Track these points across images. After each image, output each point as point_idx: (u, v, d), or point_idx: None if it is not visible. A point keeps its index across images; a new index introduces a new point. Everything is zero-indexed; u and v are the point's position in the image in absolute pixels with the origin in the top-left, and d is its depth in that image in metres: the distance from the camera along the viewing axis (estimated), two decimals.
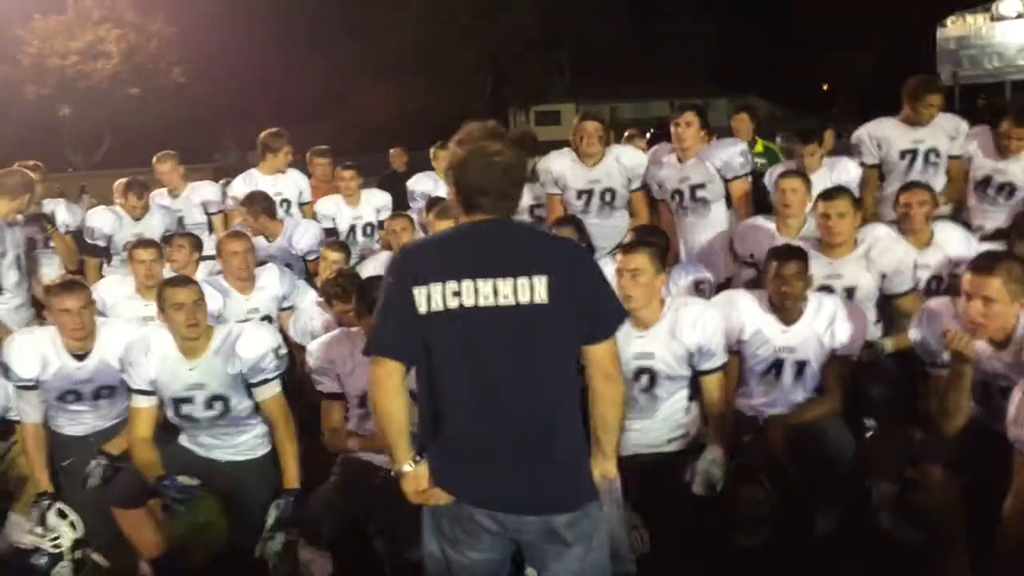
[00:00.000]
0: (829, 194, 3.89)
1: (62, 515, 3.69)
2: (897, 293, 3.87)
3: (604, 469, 2.33)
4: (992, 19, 33.27)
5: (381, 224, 6.00)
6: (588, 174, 4.99)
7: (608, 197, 4.99)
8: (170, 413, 3.62)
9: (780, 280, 3.40)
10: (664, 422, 3.42)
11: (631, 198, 5.07)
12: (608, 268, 4.22)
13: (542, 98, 41.45)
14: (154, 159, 6.24)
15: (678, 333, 3.30)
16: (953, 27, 33.51)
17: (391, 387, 2.21)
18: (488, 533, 2.23)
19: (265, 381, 3.58)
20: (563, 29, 38.73)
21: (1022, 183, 4.72)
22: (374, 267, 4.87)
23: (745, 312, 3.49)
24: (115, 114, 28.27)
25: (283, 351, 3.67)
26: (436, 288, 2.16)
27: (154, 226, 5.78)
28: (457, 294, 2.15)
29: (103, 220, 5.79)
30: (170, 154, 6.25)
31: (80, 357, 3.79)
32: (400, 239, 4.95)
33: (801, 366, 3.48)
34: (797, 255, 3.44)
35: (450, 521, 2.25)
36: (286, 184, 5.95)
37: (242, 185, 5.94)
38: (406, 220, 5.19)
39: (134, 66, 28.63)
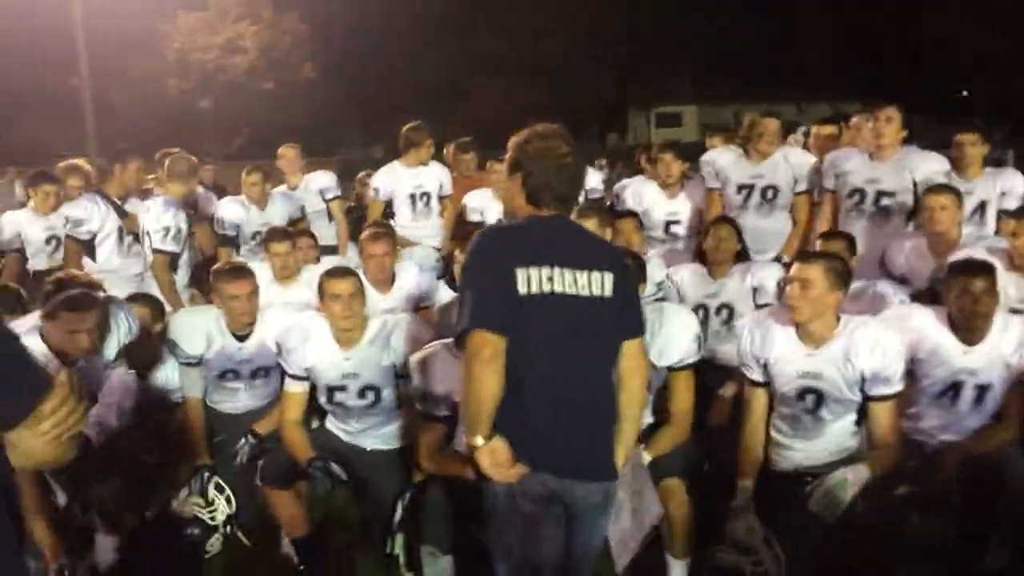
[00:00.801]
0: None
1: (219, 489, 3.82)
2: None
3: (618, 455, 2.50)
4: None
5: None
6: (752, 168, 4.87)
7: (770, 195, 4.86)
8: (323, 399, 3.69)
9: (968, 297, 3.14)
10: (828, 443, 3.21)
11: (795, 201, 4.89)
12: (767, 271, 4.13)
13: (663, 100, 40.91)
14: (281, 148, 6.48)
15: (852, 356, 3.05)
16: None
17: (497, 364, 2.25)
18: (558, 506, 2.38)
19: None
20: (685, 29, 38.06)
21: None
22: None
23: (922, 330, 3.25)
24: (250, 107, 29.49)
25: None
26: (535, 272, 2.32)
27: (278, 214, 5.95)
28: (551, 279, 2.33)
29: (231, 211, 5.97)
30: (295, 144, 6.51)
31: (242, 338, 3.93)
32: None
33: (982, 390, 3.21)
34: (985, 270, 3.17)
35: (530, 500, 2.35)
36: (427, 177, 6.00)
37: (384, 178, 6.03)
38: None
39: (269, 61, 29.84)
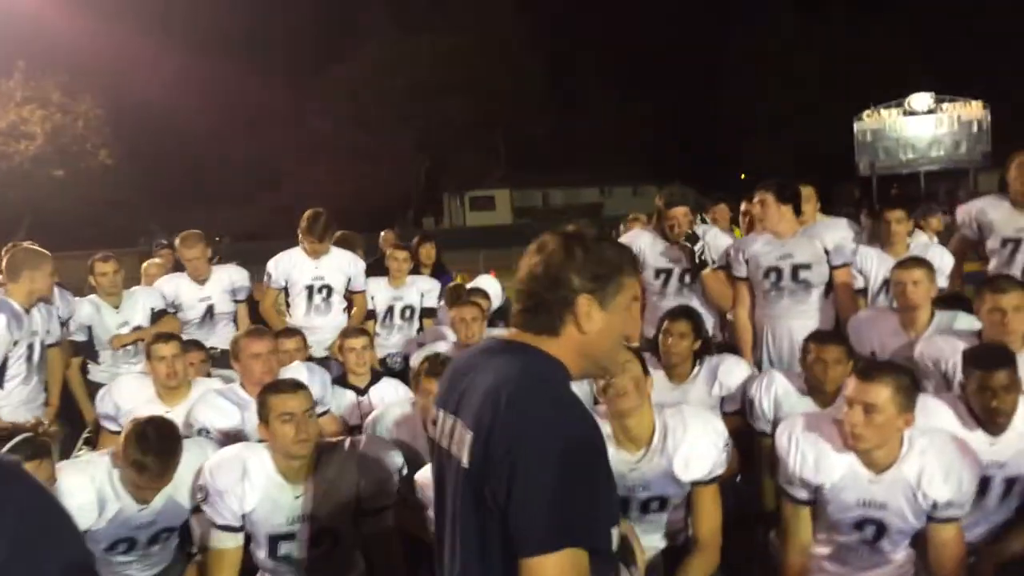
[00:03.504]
0: (999, 286, 3.42)
1: None
2: None
3: None
4: (904, 113, 35.60)
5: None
6: (669, 252, 4.63)
7: (687, 279, 4.63)
8: (261, 555, 2.98)
9: (988, 394, 2.89)
10: (883, 574, 2.87)
11: (704, 277, 4.60)
12: (735, 374, 3.78)
13: (476, 184, 41.70)
14: (180, 241, 5.43)
15: (925, 484, 2.68)
16: (868, 120, 35.70)
17: None
18: None
19: (384, 508, 2.99)
20: (495, 116, 39.29)
21: None
22: None
23: (944, 424, 2.97)
24: (36, 195, 26.91)
25: (405, 470, 3.09)
26: (432, 412, 1.80)
27: (136, 312, 5.13)
28: (435, 422, 1.76)
29: (79, 310, 4.99)
30: (196, 234, 5.44)
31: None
32: None
33: (1010, 484, 2.99)
34: (1004, 362, 2.91)
35: None
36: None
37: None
38: None
39: (58, 147, 27.41)
